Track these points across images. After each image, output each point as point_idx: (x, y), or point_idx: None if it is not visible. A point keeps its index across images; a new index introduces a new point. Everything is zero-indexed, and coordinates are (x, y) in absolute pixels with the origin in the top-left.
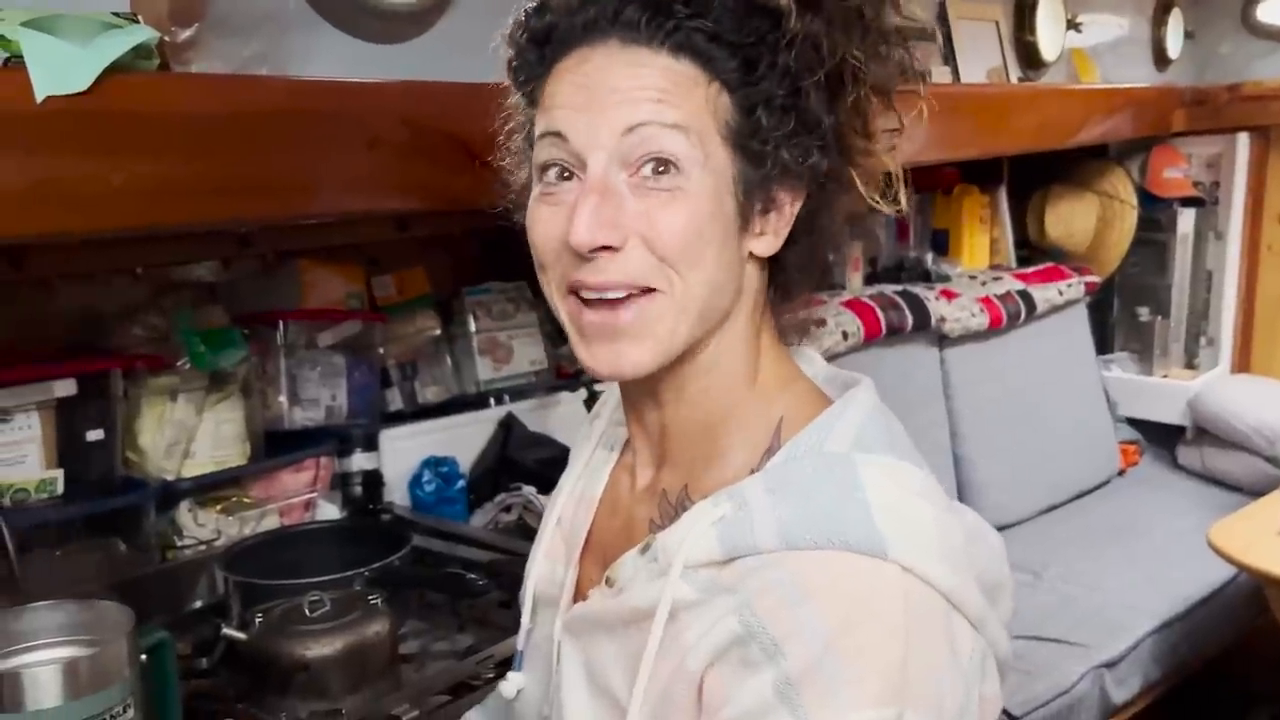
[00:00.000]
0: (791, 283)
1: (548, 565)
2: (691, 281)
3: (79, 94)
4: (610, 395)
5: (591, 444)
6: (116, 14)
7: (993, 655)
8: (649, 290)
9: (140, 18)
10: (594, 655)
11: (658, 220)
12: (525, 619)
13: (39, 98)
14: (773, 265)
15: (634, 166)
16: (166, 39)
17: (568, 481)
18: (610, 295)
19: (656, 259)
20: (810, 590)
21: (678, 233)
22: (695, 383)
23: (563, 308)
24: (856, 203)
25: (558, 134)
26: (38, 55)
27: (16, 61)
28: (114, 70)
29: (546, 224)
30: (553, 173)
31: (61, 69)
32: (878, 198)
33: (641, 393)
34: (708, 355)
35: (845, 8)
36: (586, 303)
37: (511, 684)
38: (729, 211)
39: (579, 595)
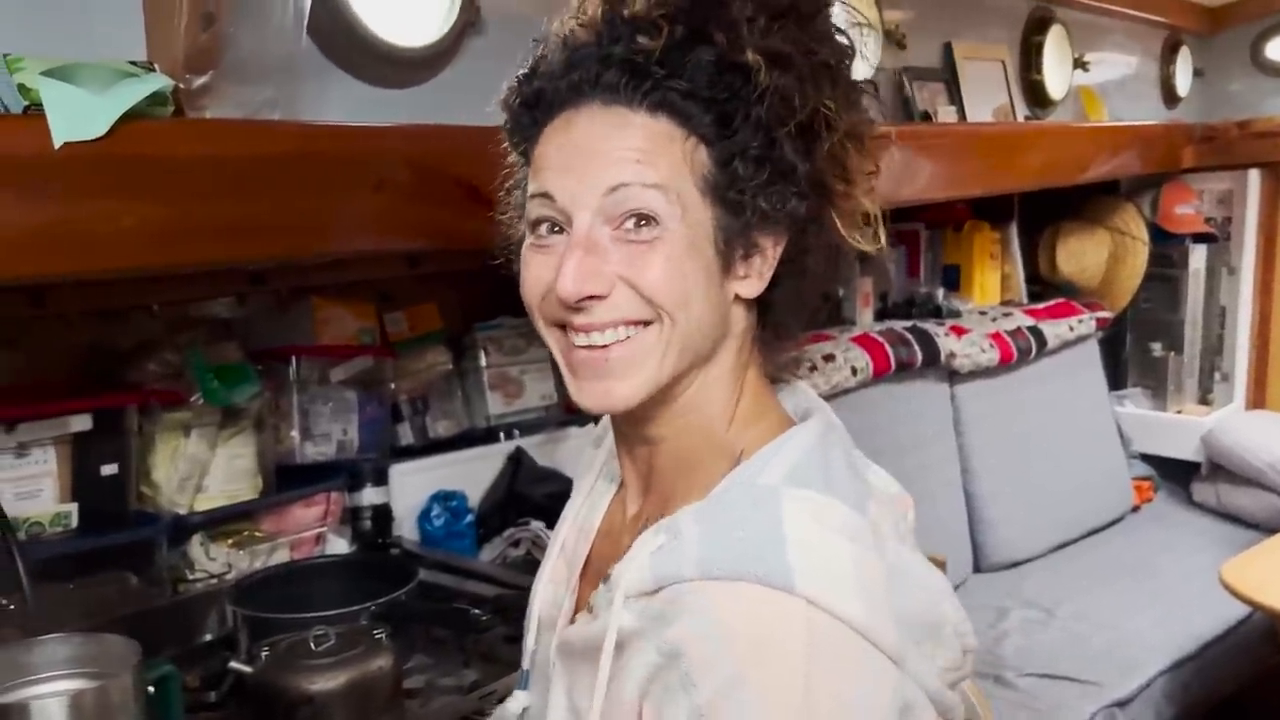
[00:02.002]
0: (781, 323)
1: (551, 589)
2: (680, 319)
3: (96, 140)
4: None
5: (594, 473)
6: (133, 62)
7: (920, 690)
8: (643, 323)
9: (156, 66)
10: (573, 678)
11: (641, 265)
12: (530, 640)
13: (57, 144)
14: (761, 306)
15: (616, 221)
16: (181, 86)
17: (571, 509)
18: (598, 341)
19: (644, 299)
20: (719, 622)
21: (659, 274)
22: (680, 419)
23: (551, 340)
24: (838, 243)
25: (546, 194)
26: (56, 103)
27: (36, 109)
28: (130, 117)
29: (537, 268)
30: (544, 227)
31: (79, 116)
32: (857, 236)
33: (630, 428)
34: (693, 392)
35: (814, 61)
36: (577, 343)
37: (516, 702)
38: (710, 257)
39: (574, 619)
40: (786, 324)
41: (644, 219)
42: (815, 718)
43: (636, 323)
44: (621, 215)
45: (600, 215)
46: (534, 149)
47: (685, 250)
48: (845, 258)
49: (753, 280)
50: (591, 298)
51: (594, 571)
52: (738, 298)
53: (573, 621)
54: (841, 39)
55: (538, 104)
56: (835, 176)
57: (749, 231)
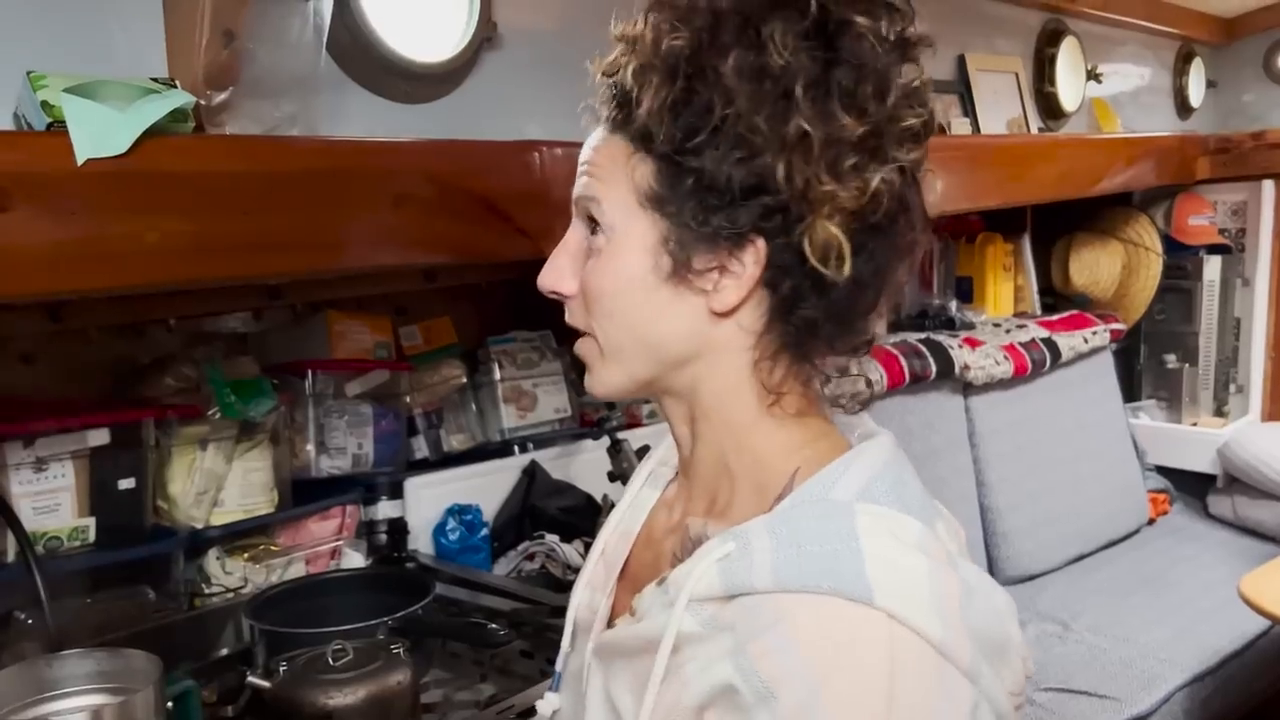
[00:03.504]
0: (796, 344)
1: (588, 593)
2: (608, 328)
3: (118, 156)
4: (668, 439)
5: (640, 481)
6: (155, 79)
7: (990, 710)
8: (587, 334)
9: (177, 82)
10: (612, 679)
11: (585, 277)
12: (565, 643)
13: (80, 160)
14: (771, 322)
15: (587, 224)
16: (202, 102)
17: (614, 516)
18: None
19: (585, 310)
20: (798, 634)
21: (593, 287)
22: (704, 421)
23: None
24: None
25: None
26: (79, 120)
27: (59, 126)
28: (151, 133)
29: None
30: None
31: (102, 133)
32: (830, 260)
33: (670, 425)
34: (705, 398)
35: (718, 74)
36: None
37: (548, 704)
38: (663, 268)
39: (611, 623)
40: (803, 346)
41: (594, 225)
42: None
43: (586, 333)
44: (586, 220)
45: (579, 218)
46: None
47: (623, 262)
48: (878, 278)
49: (721, 295)
50: (556, 293)
51: (631, 576)
52: (717, 313)
53: (611, 625)
54: (790, 42)
55: None
56: (790, 195)
57: (700, 245)
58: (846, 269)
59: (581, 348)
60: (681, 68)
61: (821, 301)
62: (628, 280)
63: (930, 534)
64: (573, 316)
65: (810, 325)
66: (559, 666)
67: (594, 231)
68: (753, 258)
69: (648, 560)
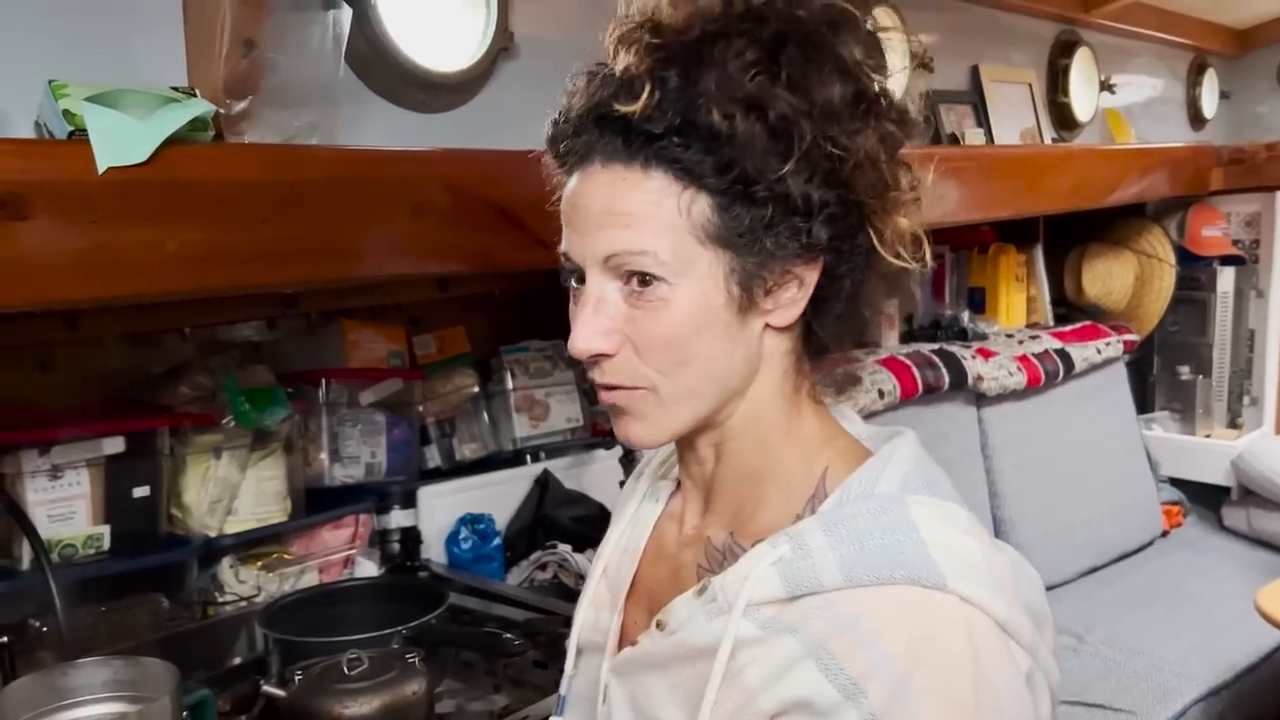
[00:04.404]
0: (826, 341)
1: (592, 613)
2: (676, 380)
3: (138, 165)
4: (655, 453)
5: (637, 499)
6: (175, 88)
7: (1043, 680)
8: (637, 388)
9: (197, 91)
10: (643, 694)
11: (643, 330)
12: (569, 665)
13: (101, 169)
14: (805, 326)
15: (624, 278)
16: (222, 111)
17: (614, 534)
18: (607, 383)
19: (641, 362)
20: (879, 626)
21: (658, 343)
22: (732, 441)
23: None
24: (883, 262)
25: (565, 253)
26: (100, 128)
27: (80, 134)
28: (171, 142)
29: (572, 317)
30: (574, 279)
31: (122, 141)
32: (903, 253)
33: (686, 449)
34: (738, 419)
35: (813, 95)
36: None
37: None
38: (723, 304)
39: (624, 640)
40: (831, 342)
41: (645, 279)
42: (982, 710)
43: (634, 387)
44: (625, 274)
45: (607, 273)
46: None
47: (694, 307)
48: (893, 275)
49: (784, 310)
50: (600, 355)
51: (644, 592)
52: (770, 327)
53: (632, 642)
54: (859, 58)
55: (563, 157)
56: (861, 199)
57: (769, 267)
58: (929, 257)
59: (630, 401)
60: (765, 101)
61: (859, 294)
62: (704, 323)
63: (973, 518)
64: (615, 374)
65: (840, 320)
66: (563, 690)
67: (643, 283)
68: (813, 269)
69: (663, 575)
